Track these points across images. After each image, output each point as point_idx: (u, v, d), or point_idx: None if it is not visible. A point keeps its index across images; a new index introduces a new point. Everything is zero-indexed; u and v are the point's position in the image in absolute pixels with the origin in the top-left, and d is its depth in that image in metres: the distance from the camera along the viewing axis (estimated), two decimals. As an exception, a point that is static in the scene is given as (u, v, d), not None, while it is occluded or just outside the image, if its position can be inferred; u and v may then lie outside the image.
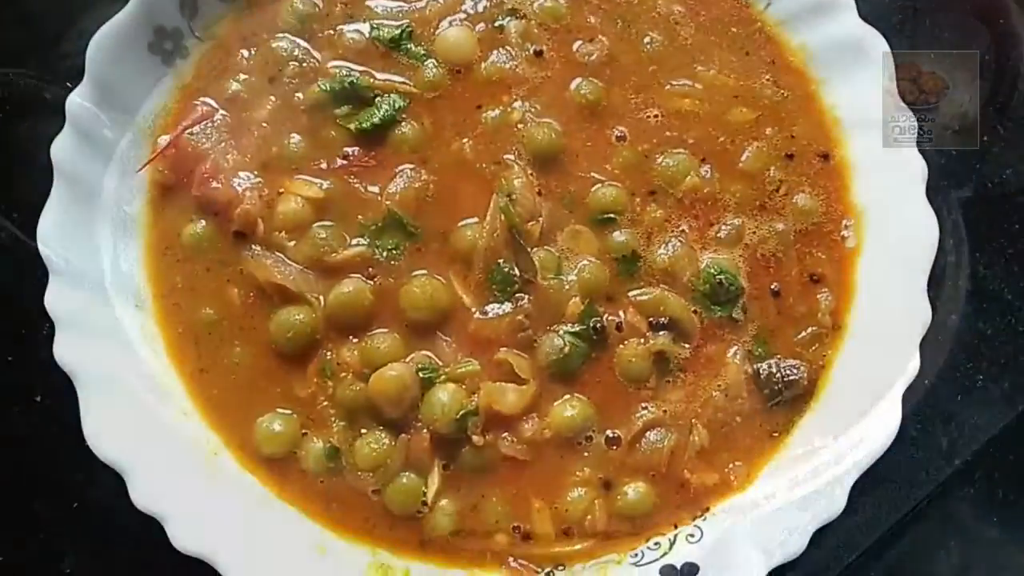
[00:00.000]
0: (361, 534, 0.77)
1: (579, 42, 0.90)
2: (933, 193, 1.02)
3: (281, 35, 0.89)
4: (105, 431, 0.72)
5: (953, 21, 1.15)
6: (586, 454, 0.79)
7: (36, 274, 0.94)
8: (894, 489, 0.91)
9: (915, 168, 0.81)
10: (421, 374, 0.78)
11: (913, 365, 0.76)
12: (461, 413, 0.76)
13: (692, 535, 0.77)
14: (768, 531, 0.73)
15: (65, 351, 0.74)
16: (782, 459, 0.79)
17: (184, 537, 0.70)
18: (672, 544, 0.76)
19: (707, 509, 0.78)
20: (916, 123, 0.84)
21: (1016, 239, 1.02)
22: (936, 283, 1.00)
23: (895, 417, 0.74)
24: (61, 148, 0.79)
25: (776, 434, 0.80)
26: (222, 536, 0.71)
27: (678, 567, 0.73)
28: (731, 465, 0.79)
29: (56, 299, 0.75)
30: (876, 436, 0.74)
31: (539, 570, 0.76)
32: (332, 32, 0.89)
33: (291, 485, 0.78)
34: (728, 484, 0.79)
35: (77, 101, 0.80)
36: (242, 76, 0.88)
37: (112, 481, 0.87)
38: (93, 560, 0.88)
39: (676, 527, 0.78)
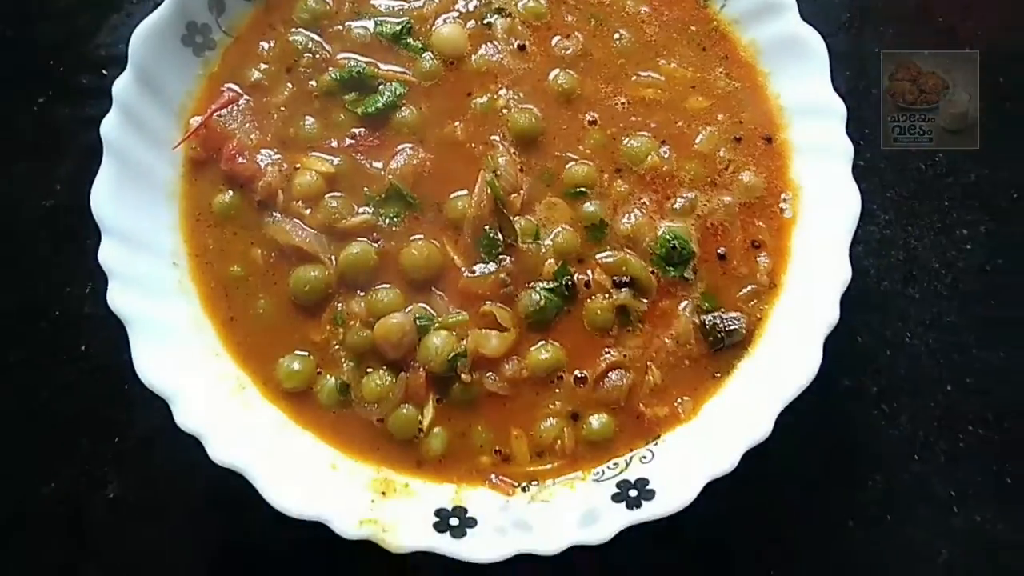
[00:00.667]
0: (367, 455, 0.88)
1: (557, 38, 1.01)
2: (872, 173, 1.15)
3: (296, 30, 1.00)
4: (152, 365, 0.83)
5: (897, 18, 1.24)
6: (557, 391, 0.90)
7: (78, 239, 1.07)
8: (830, 430, 1.04)
9: (843, 150, 0.91)
10: (418, 322, 0.89)
11: (834, 315, 0.86)
12: (452, 355, 0.87)
13: (645, 457, 0.88)
14: (707, 453, 0.84)
15: (117, 298, 0.84)
16: (723, 395, 0.90)
17: (220, 452, 0.81)
18: (628, 464, 0.88)
19: (658, 436, 0.89)
20: (846, 111, 0.93)
21: (945, 215, 1.14)
22: (874, 254, 1.13)
23: (816, 359, 0.85)
24: (109, 126, 0.89)
25: (718, 375, 0.91)
26: (251, 453, 0.82)
27: (632, 481, 0.85)
28: (679, 400, 0.90)
29: (108, 255, 0.86)
30: (800, 375, 0.84)
31: (516, 484, 0.87)
32: (341, 28, 1.00)
33: (308, 415, 0.89)
34: (676, 416, 0.89)
35: (122, 86, 0.90)
36: (263, 66, 0.99)
37: (148, 419, 1.00)
38: (134, 485, 1.00)
39: (632, 451, 0.88)
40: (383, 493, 0.86)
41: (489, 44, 1.00)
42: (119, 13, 1.21)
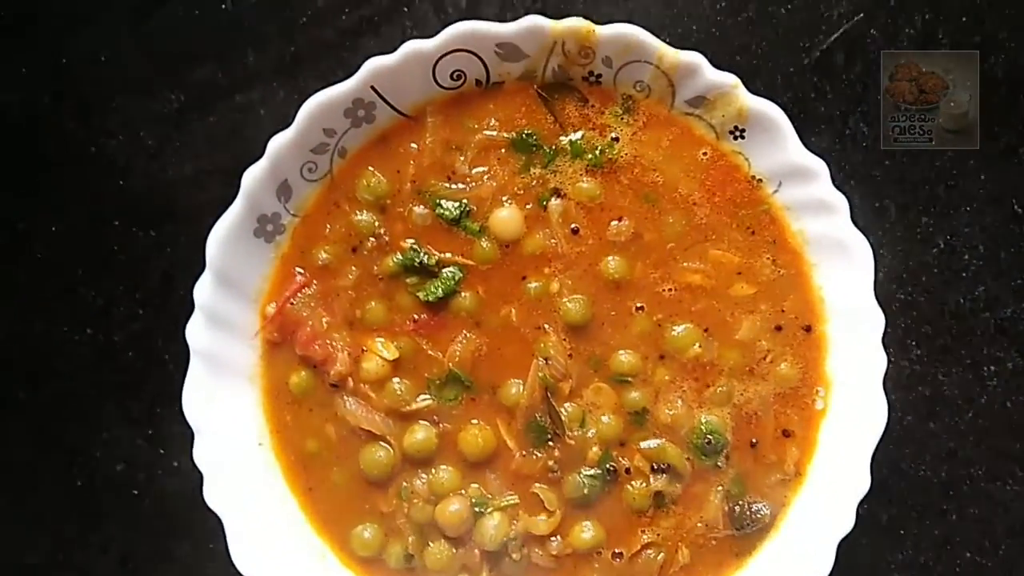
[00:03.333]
0: None
1: (611, 221, 1.02)
2: (910, 308, 1.19)
3: (360, 212, 1.02)
4: (247, 556, 0.95)
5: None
6: (596, 565, 1.00)
7: (164, 359, 1.16)
8: (840, 550, 1.13)
9: (878, 363, 0.95)
10: (475, 508, 1.00)
11: (849, 524, 0.94)
12: (504, 540, 0.99)
13: None
14: None
15: (213, 497, 0.95)
16: (743, 575, 1.01)
17: None
18: None
19: None
20: (884, 322, 0.97)
21: (975, 351, 1.18)
22: (902, 388, 1.19)
23: (829, 564, 0.93)
24: (194, 331, 0.96)
25: (741, 555, 1.01)
26: None
27: None
28: None
29: (202, 455, 0.95)
30: None
31: None
32: (403, 209, 1.02)
33: None
34: None
35: (203, 289, 0.96)
36: (328, 247, 1.02)
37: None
38: None
39: None
40: (445, 651, 1.01)
41: (544, 229, 1.02)
42: (179, 131, 1.22)
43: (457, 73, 1.01)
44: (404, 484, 1.02)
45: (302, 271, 1.04)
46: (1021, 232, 1.19)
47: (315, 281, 1.03)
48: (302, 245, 1.04)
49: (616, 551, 1.02)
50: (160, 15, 1.21)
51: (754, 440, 1.02)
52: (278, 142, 0.97)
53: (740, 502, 1.01)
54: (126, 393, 1.20)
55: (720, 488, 1.02)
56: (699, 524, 1.02)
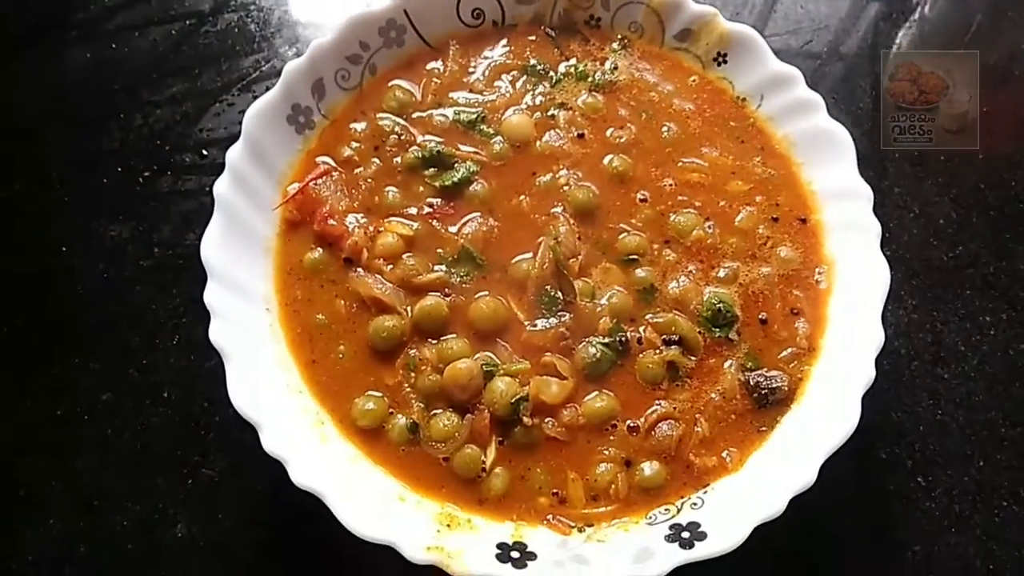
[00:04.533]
0: (432, 491, 0.92)
1: (612, 129, 1.13)
2: (899, 263, 1.24)
3: (385, 115, 1.12)
4: (244, 395, 0.89)
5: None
6: (611, 438, 0.95)
7: (171, 296, 1.18)
8: (869, 499, 1.09)
9: (872, 228, 0.99)
10: (485, 368, 0.96)
11: (870, 375, 0.91)
12: (516, 398, 0.93)
13: (695, 503, 0.91)
14: (756, 499, 0.88)
15: (217, 335, 0.92)
16: (768, 447, 0.95)
17: (301, 476, 0.85)
18: (679, 509, 0.91)
19: (707, 484, 0.93)
20: (872, 194, 1.05)
21: (968, 302, 1.22)
22: (903, 335, 1.20)
23: (856, 413, 0.89)
24: (222, 186, 0.99)
25: (763, 429, 0.96)
26: (327, 479, 0.87)
27: (684, 524, 0.88)
28: (727, 451, 0.94)
29: (212, 295, 0.93)
30: (842, 428, 0.88)
31: (573, 525, 0.91)
32: (424, 115, 1.13)
33: (379, 451, 0.94)
34: (724, 466, 0.94)
35: (235, 153, 1.01)
36: (354, 144, 1.10)
37: (221, 462, 1.08)
38: (202, 525, 1.04)
39: (682, 497, 0.92)
40: (448, 525, 0.90)
41: (552, 132, 1.12)
42: (220, 103, 1.36)
43: (477, 12, 1.17)
44: (412, 353, 0.99)
45: (328, 161, 1.10)
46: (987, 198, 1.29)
47: (338, 169, 1.09)
48: (329, 143, 1.12)
49: (631, 423, 0.97)
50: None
51: (763, 316, 1.02)
52: (319, 43, 1.10)
53: (755, 374, 0.99)
54: (128, 326, 1.18)
55: (734, 361, 1.00)
56: (715, 396, 0.98)
